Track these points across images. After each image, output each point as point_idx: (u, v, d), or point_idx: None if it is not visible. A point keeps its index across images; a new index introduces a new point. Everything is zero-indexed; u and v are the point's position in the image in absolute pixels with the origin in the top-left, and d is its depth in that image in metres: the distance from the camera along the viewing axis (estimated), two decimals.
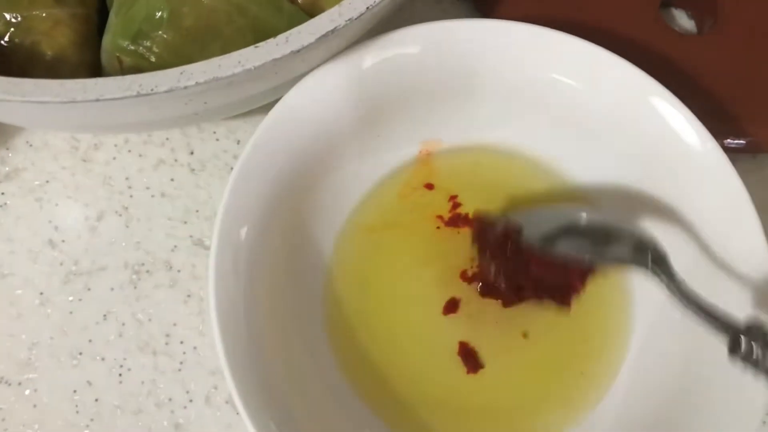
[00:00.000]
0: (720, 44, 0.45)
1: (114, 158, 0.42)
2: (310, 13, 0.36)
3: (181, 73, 0.30)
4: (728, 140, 0.42)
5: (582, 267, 0.34)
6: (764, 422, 0.31)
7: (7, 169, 0.41)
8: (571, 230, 0.35)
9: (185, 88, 0.30)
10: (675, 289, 0.32)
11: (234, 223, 0.33)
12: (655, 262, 0.33)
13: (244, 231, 0.33)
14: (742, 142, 0.43)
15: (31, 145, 0.42)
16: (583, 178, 0.39)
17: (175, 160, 0.42)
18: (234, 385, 0.30)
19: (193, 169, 0.42)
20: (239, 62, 0.30)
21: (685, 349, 0.35)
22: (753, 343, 0.28)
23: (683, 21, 0.47)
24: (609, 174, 0.38)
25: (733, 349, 0.29)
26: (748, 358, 0.28)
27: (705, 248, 0.35)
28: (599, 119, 0.37)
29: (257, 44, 0.31)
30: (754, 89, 0.44)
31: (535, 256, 0.34)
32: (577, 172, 0.39)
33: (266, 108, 0.35)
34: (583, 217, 0.35)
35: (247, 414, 0.30)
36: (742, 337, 0.28)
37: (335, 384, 0.35)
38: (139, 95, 0.30)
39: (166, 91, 0.30)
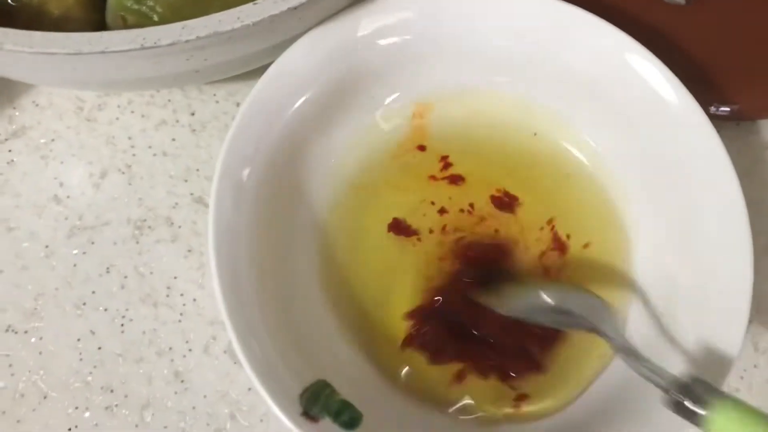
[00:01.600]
0: (707, 14, 0.46)
1: (117, 118, 0.43)
2: None
3: (183, 28, 0.31)
4: (713, 107, 0.44)
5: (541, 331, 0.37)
6: None
7: (14, 127, 0.42)
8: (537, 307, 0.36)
9: (187, 41, 0.31)
10: (619, 347, 0.33)
11: (232, 177, 0.34)
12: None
13: (241, 185, 0.35)
14: (726, 109, 0.44)
15: (37, 105, 0.43)
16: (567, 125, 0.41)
17: (177, 121, 0.43)
18: (233, 330, 0.32)
19: (194, 130, 0.43)
20: (238, 18, 0.32)
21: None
22: (684, 397, 0.30)
23: None
24: (591, 126, 0.40)
25: (667, 402, 0.31)
26: (679, 410, 0.30)
27: (684, 207, 0.37)
28: (580, 76, 0.39)
29: (256, 1, 0.32)
30: (738, 58, 0.45)
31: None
32: (562, 120, 0.41)
33: (264, 70, 0.36)
34: (544, 297, 0.36)
35: (246, 358, 0.32)
36: (673, 392, 0.30)
37: (329, 332, 0.37)
38: (143, 48, 0.31)
39: (168, 44, 0.31)
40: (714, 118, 0.43)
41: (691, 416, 0.30)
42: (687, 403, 0.30)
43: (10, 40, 0.30)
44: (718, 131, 0.36)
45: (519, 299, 0.37)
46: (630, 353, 0.33)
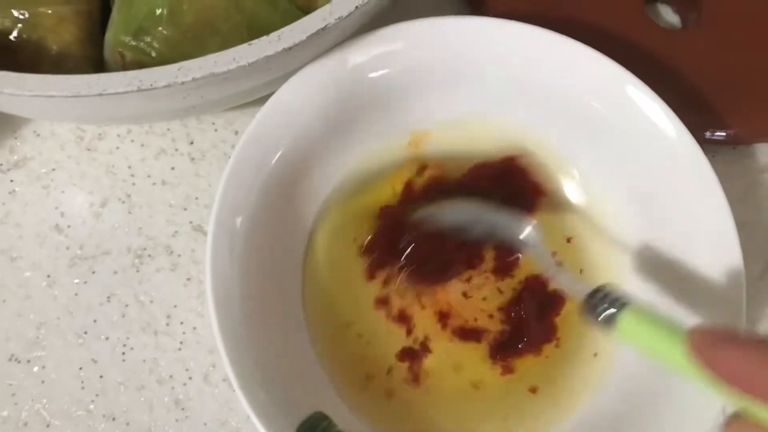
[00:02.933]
0: (703, 38, 0.46)
1: (117, 148, 0.43)
2: (305, 9, 0.38)
3: (179, 69, 0.32)
4: (709, 133, 0.44)
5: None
6: None
7: (15, 157, 0.43)
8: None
9: (182, 83, 0.32)
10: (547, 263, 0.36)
11: (229, 211, 0.35)
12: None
13: (239, 219, 0.35)
14: (722, 134, 0.44)
15: (38, 135, 0.44)
16: (562, 157, 0.41)
17: (176, 150, 0.44)
18: (229, 362, 0.32)
19: (193, 158, 0.43)
20: (234, 59, 0.32)
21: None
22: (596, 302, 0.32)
23: (668, 16, 0.49)
24: (586, 156, 0.40)
25: (581, 309, 0.33)
26: (594, 316, 0.32)
27: (675, 233, 0.37)
28: (577, 107, 0.39)
29: (251, 42, 0.32)
30: (734, 82, 0.45)
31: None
32: (557, 151, 0.41)
33: (263, 100, 0.37)
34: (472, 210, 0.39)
35: (241, 389, 0.32)
36: (589, 298, 0.33)
37: (311, 359, 0.37)
38: (139, 90, 0.31)
39: (164, 86, 0.32)
40: (710, 143, 0.43)
41: (604, 321, 0.32)
42: (599, 309, 0.32)
43: (10, 84, 0.31)
44: (714, 155, 0.37)
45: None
46: (551, 264, 0.36)
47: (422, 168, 0.41)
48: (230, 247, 0.35)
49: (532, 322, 0.39)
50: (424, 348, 0.39)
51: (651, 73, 0.38)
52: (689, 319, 0.36)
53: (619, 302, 0.31)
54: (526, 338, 0.39)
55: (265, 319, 0.35)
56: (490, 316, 0.39)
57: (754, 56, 0.46)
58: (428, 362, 0.38)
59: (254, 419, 0.32)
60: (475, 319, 0.39)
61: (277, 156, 0.36)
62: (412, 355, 0.39)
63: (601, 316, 0.32)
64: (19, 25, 0.37)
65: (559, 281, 0.36)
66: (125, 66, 0.36)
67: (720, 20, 0.47)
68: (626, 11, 0.46)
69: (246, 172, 0.35)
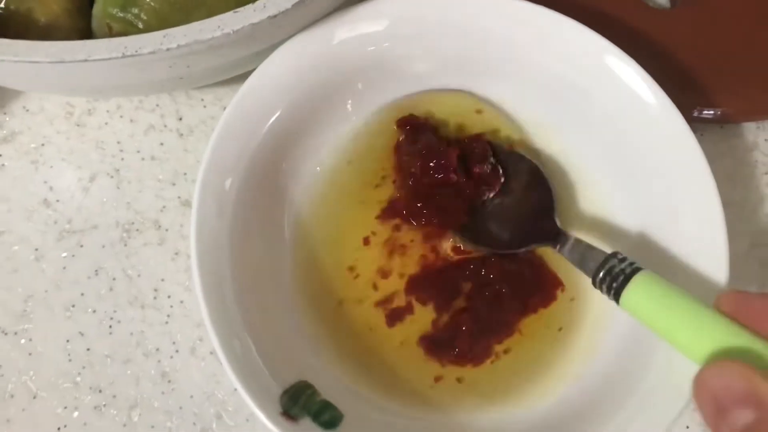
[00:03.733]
0: (691, 19, 0.47)
1: (106, 123, 0.44)
2: None
3: (164, 36, 0.32)
4: (696, 111, 0.44)
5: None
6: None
7: (4, 132, 0.43)
8: None
9: (168, 50, 0.32)
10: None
11: (216, 177, 0.35)
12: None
13: (223, 191, 0.35)
14: (711, 112, 0.44)
15: (27, 110, 0.44)
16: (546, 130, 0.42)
17: (165, 126, 0.44)
18: (214, 332, 0.33)
19: (181, 134, 0.44)
20: (219, 26, 0.32)
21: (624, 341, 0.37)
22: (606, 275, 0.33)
23: None
24: (569, 130, 0.41)
25: (593, 282, 0.34)
26: (602, 287, 0.33)
27: (658, 208, 0.37)
28: (558, 80, 0.39)
29: (236, 10, 0.33)
30: (722, 62, 0.45)
31: None
32: (541, 126, 0.42)
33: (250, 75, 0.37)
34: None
35: (226, 359, 0.32)
36: (600, 271, 0.33)
37: (308, 333, 0.38)
38: (124, 56, 0.32)
39: (149, 53, 0.32)
40: (698, 121, 0.44)
41: (615, 290, 0.33)
42: (607, 278, 0.33)
43: None
44: (702, 134, 0.37)
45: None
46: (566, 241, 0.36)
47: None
48: (218, 207, 0.35)
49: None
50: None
51: (640, 53, 0.38)
52: None
53: (625, 274, 0.32)
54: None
55: (252, 286, 0.35)
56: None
57: (741, 35, 0.46)
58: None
59: (239, 388, 0.32)
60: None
61: (262, 125, 0.36)
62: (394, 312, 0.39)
63: (611, 291, 0.33)
64: None
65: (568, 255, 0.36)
66: (112, 37, 0.37)
67: (707, 0, 0.47)
68: None
69: (232, 140, 0.35)
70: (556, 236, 0.37)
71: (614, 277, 0.33)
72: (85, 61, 0.31)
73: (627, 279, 0.32)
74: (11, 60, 0.31)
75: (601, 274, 0.33)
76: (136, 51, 0.32)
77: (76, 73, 0.33)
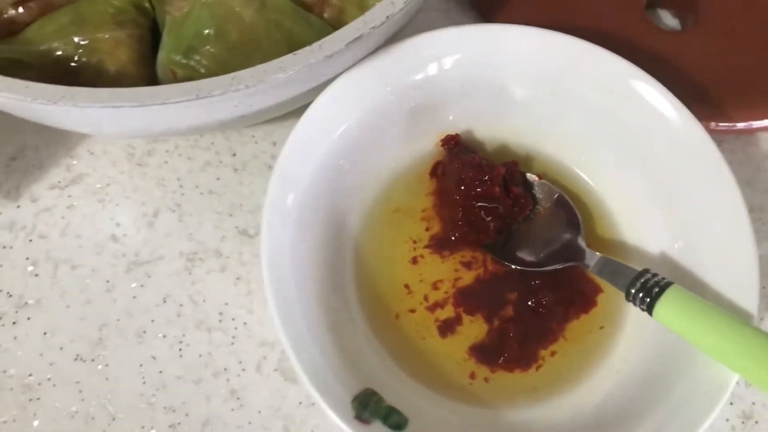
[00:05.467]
0: (702, 39, 0.50)
1: (166, 162, 0.47)
2: (335, 26, 0.41)
3: (233, 79, 0.35)
4: (713, 123, 0.47)
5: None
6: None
7: (72, 174, 0.47)
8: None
9: (236, 90, 0.35)
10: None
11: (278, 206, 0.38)
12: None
13: (286, 212, 0.38)
14: (726, 124, 0.47)
15: (92, 153, 0.47)
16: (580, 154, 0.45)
17: (220, 162, 0.47)
18: (290, 347, 0.35)
19: (236, 169, 0.47)
20: (280, 67, 0.36)
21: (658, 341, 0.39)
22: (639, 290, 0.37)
23: (668, 20, 0.53)
24: (601, 151, 0.44)
25: (627, 296, 0.38)
26: (635, 302, 0.37)
27: (688, 222, 0.40)
28: (588, 103, 0.42)
29: (295, 52, 0.36)
30: (733, 78, 0.48)
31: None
32: (575, 149, 0.45)
33: (298, 113, 0.40)
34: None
35: (302, 371, 0.35)
36: (633, 287, 0.37)
37: (369, 344, 0.40)
38: (197, 98, 0.35)
39: (220, 94, 0.35)
40: (715, 133, 0.47)
41: (647, 304, 0.36)
42: (641, 294, 0.36)
43: (83, 98, 0.35)
44: (719, 145, 0.39)
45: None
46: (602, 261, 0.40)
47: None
48: (282, 227, 0.38)
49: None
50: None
51: (654, 73, 0.42)
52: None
53: (659, 288, 0.36)
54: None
55: (318, 300, 0.38)
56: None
57: (750, 52, 0.49)
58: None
59: (314, 395, 0.35)
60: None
61: (318, 155, 0.40)
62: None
63: (644, 304, 0.36)
64: (80, 50, 0.40)
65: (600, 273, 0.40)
66: (177, 82, 0.40)
67: (716, 21, 0.50)
68: (628, 17, 0.50)
69: (291, 171, 0.39)
70: (581, 256, 0.41)
71: (648, 291, 0.36)
72: (164, 103, 0.35)
73: (661, 292, 0.36)
74: (97, 106, 0.35)
75: (633, 290, 0.37)
76: (209, 93, 0.35)
77: (152, 115, 0.37)
